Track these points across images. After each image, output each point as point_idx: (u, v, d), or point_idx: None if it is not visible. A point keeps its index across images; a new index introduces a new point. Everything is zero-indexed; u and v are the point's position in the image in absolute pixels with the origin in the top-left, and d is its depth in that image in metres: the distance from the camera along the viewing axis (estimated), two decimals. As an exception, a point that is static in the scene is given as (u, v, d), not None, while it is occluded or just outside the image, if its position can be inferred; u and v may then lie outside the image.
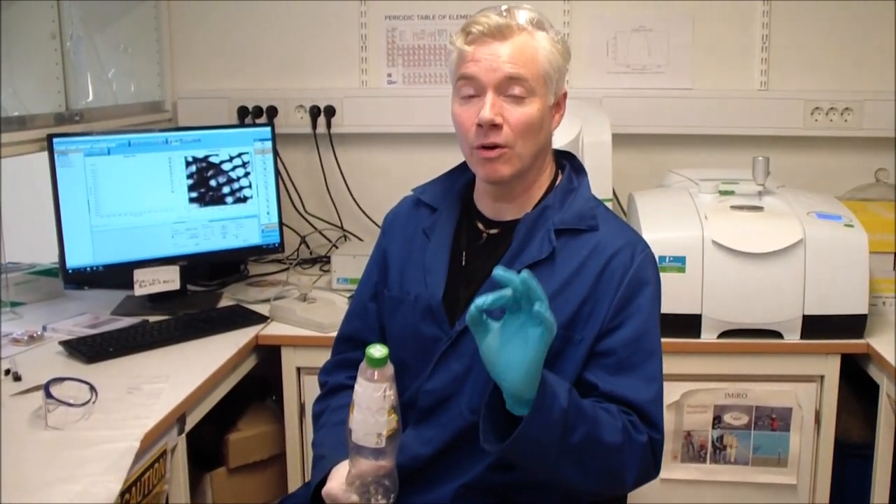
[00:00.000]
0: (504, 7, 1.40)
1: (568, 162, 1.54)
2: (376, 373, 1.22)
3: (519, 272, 1.16)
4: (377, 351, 1.22)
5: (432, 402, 1.45)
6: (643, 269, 1.41)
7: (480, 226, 1.50)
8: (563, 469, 1.29)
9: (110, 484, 1.42)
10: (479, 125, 1.37)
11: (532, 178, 1.46)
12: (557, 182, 1.50)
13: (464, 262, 1.49)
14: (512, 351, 1.20)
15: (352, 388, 1.25)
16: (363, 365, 1.23)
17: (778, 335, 2.12)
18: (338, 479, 1.36)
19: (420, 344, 1.47)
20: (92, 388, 1.69)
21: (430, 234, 1.52)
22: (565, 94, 1.47)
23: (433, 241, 1.51)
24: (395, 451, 1.27)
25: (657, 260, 1.47)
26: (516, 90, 1.37)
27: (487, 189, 1.49)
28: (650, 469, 1.37)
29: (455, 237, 1.51)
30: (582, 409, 1.28)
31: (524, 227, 1.44)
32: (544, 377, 1.22)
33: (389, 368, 1.24)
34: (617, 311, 1.39)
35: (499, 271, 1.17)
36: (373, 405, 1.22)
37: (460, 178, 1.55)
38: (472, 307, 1.19)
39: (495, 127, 1.37)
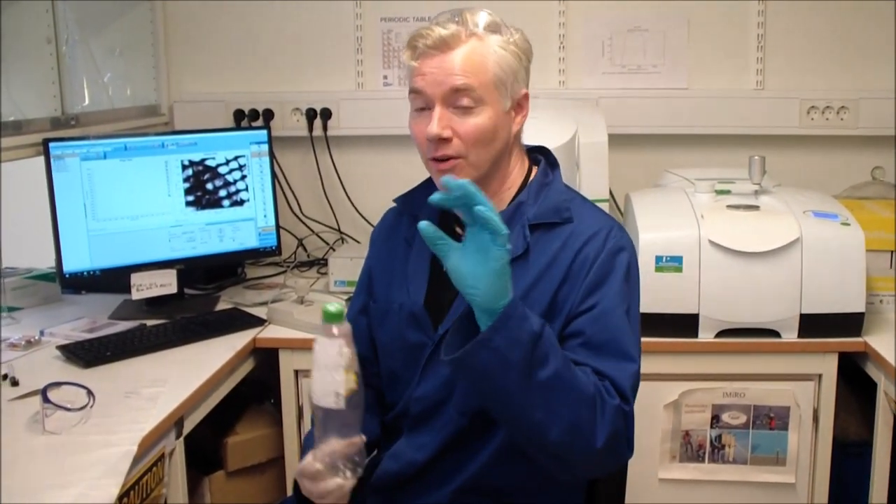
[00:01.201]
0: (458, 12, 1.38)
1: (543, 157, 1.53)
2: (334, 328, 1.23)
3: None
4: (333, 306, 1.23)
5: (423, 409, 1.45)
6: (613, 253, 1.39)
7: (459, 230, 1.48)
8: (529, 403, 1.23)
9: (108, 488, 1.42)
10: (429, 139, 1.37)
11: (497, 182, 1.45)
12: (531, 177, 1.49)
13: (444, 267, 1.48)
14: (475, 262, 1.19)
15: None
16: (321, 323, 1.24)
17: (775, 334, 2.12)
18: (308, 456, 1.36)
19: (407, 351, 1.48)
20: (89, 393, 1.69)
21: (412, 242, 1.52)
22: (526, 95, 1.44)
23: (414, 248, 1.51)
24: (359, 422, 1.26)
25: (633, 243, 1.45)
26: (464, 101, 1.36)
27: None
28: (622, 437, 1.29)
29: None
30: (556, 345, 1.25)
31: None
32: (518, 301, 1.21)
33: (347, 326, 1.24)
34: (587, 293, 1.37)
35: (445, 178, 1.17)
36: (329, 362, 1.22)
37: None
38: (421, 222, 1.20)
39: (445, 140, 1.36)
